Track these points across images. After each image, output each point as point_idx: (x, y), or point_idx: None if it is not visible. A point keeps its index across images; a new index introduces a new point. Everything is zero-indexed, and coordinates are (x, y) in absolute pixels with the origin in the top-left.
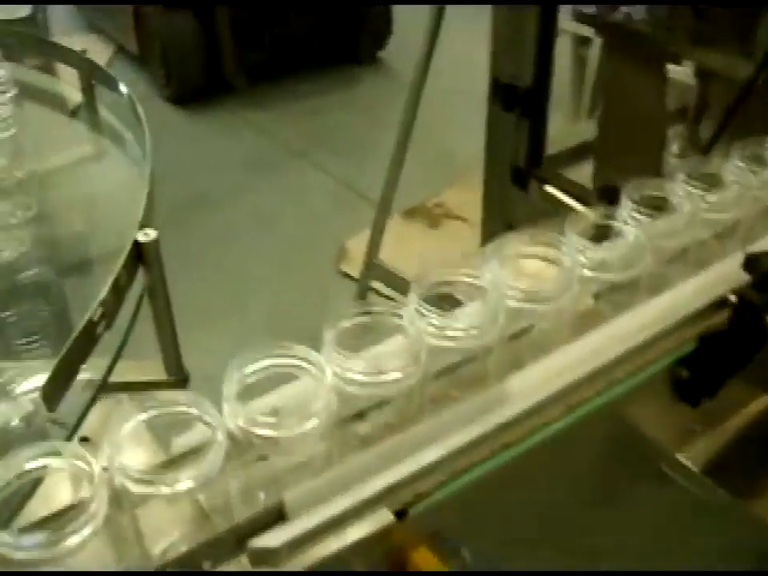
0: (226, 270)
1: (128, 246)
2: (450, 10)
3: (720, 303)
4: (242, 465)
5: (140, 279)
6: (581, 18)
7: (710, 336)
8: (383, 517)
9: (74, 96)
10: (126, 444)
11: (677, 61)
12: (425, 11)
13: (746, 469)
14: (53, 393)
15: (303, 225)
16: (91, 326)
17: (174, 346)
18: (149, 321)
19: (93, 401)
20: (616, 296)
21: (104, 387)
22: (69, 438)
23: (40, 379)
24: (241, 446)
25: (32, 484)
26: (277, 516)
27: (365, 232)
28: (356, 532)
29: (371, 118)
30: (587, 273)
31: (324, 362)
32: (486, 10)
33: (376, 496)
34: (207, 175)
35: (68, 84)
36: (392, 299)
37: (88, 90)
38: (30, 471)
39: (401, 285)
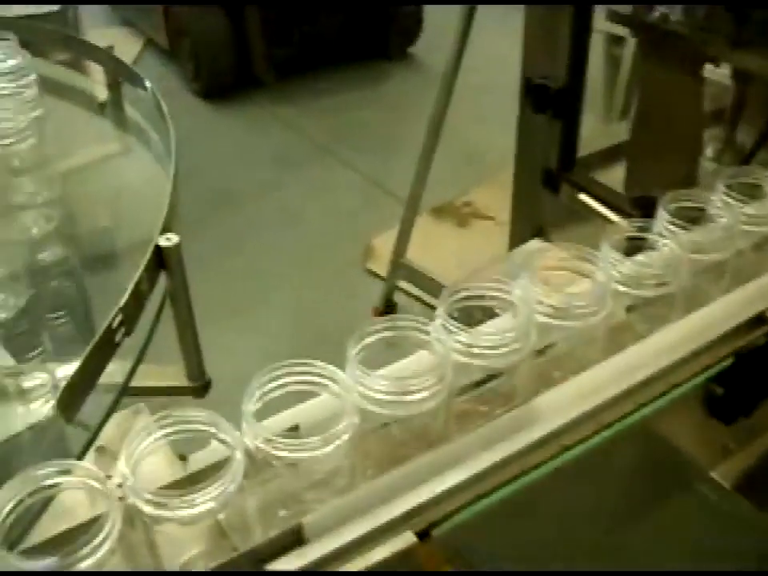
0: (251, 266)
1: (149, 251)
2: (481, 7)
3: (757, 320)
4: (260, 483)
5: (161, 283)
6: (615, 18)
7: (747, 353)
8: (405, 539)
9: (101, 93)
10: (142, 462)
11: (714, 62)
12: (456, 8)
13: None
14: (70, 402)
15: (329, 222)
16: (110, 332)
17: (196, 352)
18: (170, 324)
19: (115, 404)
20: (649, 309)
21: (125, 391)
22: (89, 442)
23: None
24: (259, 465)
25: (44, 501)
26: (295, 540)
27: (392, 230)
28: (376, 554)
29: (400, 114)
30: (620, 288)
31: (348, 379)
32: (517, 9)
33: (398, 518)
34: (234, 169)
35: (96, 81)
36: (419, 299)
37: (114, 87)
38: (43, 488)
39: (428, 284)
